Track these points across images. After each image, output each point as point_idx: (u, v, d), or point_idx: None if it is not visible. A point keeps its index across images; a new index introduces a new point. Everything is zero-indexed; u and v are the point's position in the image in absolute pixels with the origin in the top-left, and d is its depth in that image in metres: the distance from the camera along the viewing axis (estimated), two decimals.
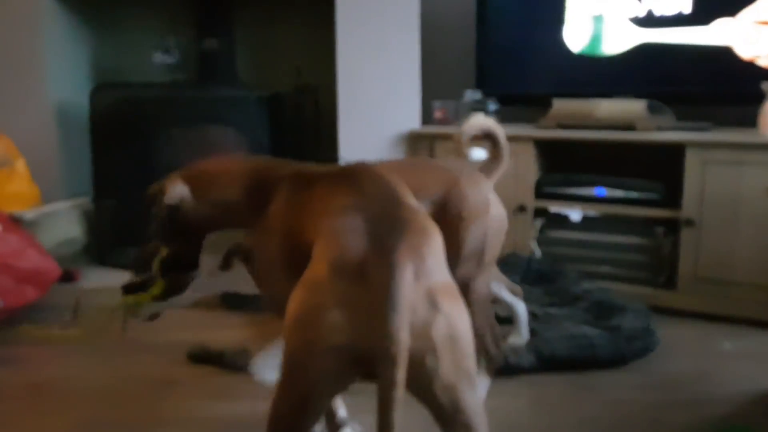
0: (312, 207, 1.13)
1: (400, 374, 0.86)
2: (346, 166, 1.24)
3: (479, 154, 1.92)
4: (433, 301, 0.93)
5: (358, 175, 1.15)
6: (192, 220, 1.44)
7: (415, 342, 0.90)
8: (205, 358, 2.12)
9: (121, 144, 2.86)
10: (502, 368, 1.92)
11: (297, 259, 1.11)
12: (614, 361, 2.05)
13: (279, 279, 1.20)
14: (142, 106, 2.86)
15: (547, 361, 2.02)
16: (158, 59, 2.96)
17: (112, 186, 2.89)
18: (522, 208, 2.72)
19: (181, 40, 3.09)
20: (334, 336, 0.92)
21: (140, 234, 2.85)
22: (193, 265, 1.52)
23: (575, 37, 2.78)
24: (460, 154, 1.81)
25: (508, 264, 2.65)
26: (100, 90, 2.80)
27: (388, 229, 0.97)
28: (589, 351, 2.04)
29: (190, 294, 1.57)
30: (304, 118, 3.23)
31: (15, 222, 2.58)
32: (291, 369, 0.96)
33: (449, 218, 1.66)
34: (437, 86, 3.13)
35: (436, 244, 1.00)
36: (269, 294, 1.34)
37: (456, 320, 0.95)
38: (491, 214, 1.70)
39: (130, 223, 2.92)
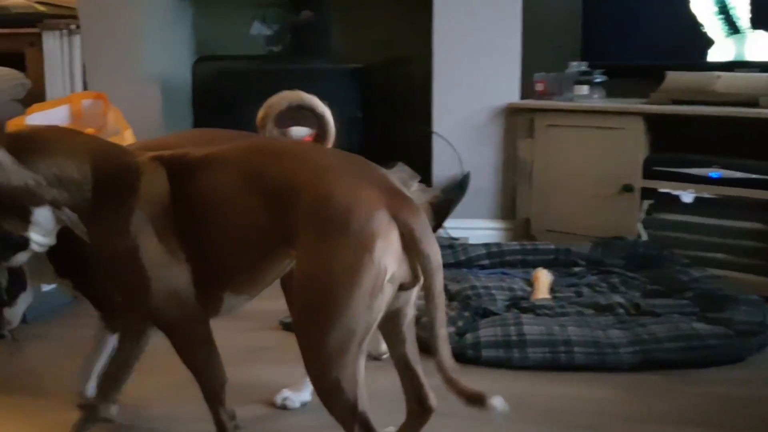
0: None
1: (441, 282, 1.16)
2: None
3: (299, 132, 1.91)
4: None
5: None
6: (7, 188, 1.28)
7: None
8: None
9: (221, 115, 2.92)
10: (599, 364, 1.83)
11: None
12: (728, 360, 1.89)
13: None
14: (239, 78, 2.90)
15: (655, 363, 1.86)
16: (255, 31, 3.00)
17: None
18: (628, 188, 2.57)
19: (278, 12, 3.11)
20: (386, 274, 1.13)
21: None
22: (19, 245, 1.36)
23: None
24: (268, 132, 1.65)
25: (612, 247, 2.52)
26: (201, 62, 2.88)
27: (381, 181, 1.20)
28: (702, 352, 1.87)
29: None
30: (395, 90, 3.19)
31: None
32: (353, 307, 1.12)
33: None
34: (539, 57, 2.99)
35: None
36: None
37: None
38: None
39: None
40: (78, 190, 1.30)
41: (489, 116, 2.84)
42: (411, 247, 1.15)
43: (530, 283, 2.38)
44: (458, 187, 2.70)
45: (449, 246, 2.64)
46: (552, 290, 2.33)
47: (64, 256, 1.50)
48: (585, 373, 1.85)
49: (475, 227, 2.94)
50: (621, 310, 2.11)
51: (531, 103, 2.81)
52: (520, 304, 2.20)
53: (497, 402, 1.14)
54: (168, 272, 1.30)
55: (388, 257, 1.14)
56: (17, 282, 1.51)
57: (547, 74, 2.87)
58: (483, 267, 2.59)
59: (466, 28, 2.78)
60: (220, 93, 2.89)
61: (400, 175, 2.63)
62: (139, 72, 2.98)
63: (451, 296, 2.24)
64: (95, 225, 1.32)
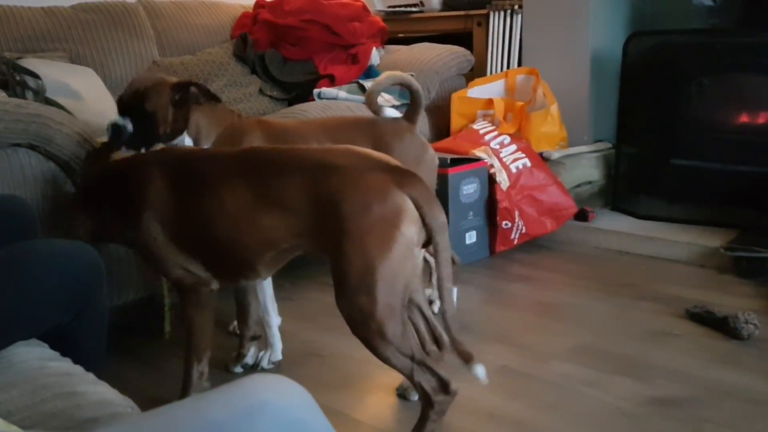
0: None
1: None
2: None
3: (391, 112, 2.13)
4: None
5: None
6: None
7: None
8: (705, 319, 2.03)
9: (649, 92, 2.85)
10: None
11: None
12: None
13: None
14: (674, 54, 2.77)
15: None
16: (698, 2, 2.81)
17: (634, 134, 2.93)
18: None
19: None
20: (414, 240, 1.33)
21: (656, 184, 2.85)
22: None
23: None
24: (374, 110, 1.97)
25: None
26: (635, 37, 2.82)
27: (381, 163, 1.37)
28: None
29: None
30: None
31: (543, 160, 2.87)
32: (394, 275, 1.31)
33: None
34: None
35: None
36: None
37: None
38: (426, 155, 1.96)
39: (647, 172, 2.93)
40: None
41: None
42: (421, 212, 1.32)
43: None
44: None
45: None
46: None
47: None
48: None
49: None
50: None
51: None
52: None
53: (479, 370, 1.32)
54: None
55: (411, 226, 1.32)
56: None
57: None
58: None
59: None
60: (652, 69, 2.81)
61: None
62: (571, 48, 3.08)
63: None
64: None
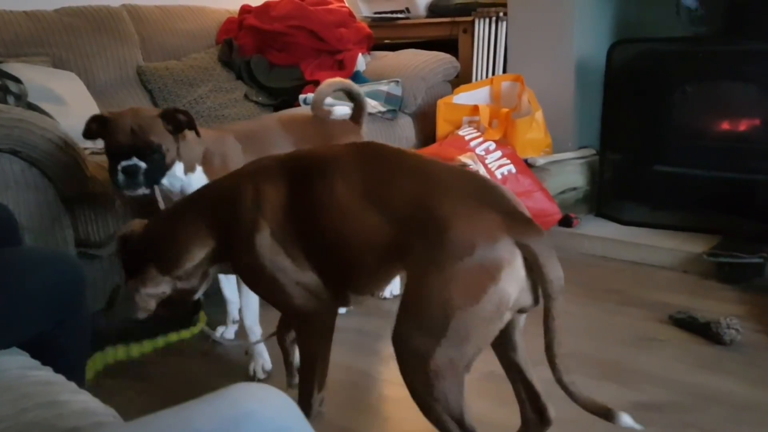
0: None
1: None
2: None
3: (342, 110, 2.25)
4: None
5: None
6: None
7: None
8: (688, 324, 2.05)
9: (632, 99, 2.87)
10: None
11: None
12: None
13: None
14: (658, 61, 2.80)
15: None
16: (682, 10, 2.83)
17: (618, 140, 2.94)
18: None
19: None
20: (510, 301, 1.13)
21: (640, 190, 2.87)
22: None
23: None
24: (321, 114, 2.13)
25: None
26: (619, 44, 2.85)
27: (500, 202, 1.17)
28: None
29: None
30: None
31: (528, 166, 2.88)
32: (471, 331, 1.12)
33: None
34: None
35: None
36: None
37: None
38: None
39: (631, 179, 2.95)
40: None
41: None
42: (534, 272, 1.13)
43: None
44: None
45: None
46: None
47: None
48: None
49: None
50: None
51: None
52: None
53: (626, 419, 1.17)
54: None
55: (512, 286, 1.12)
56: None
57: None
58: None
59: None
60: (636, 76, 2.83)
61: None
62: (556, 55, 3.09)
63: None
64: None
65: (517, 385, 1.36)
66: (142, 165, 1.69)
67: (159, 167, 1.73)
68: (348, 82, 2.20)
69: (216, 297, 2.10)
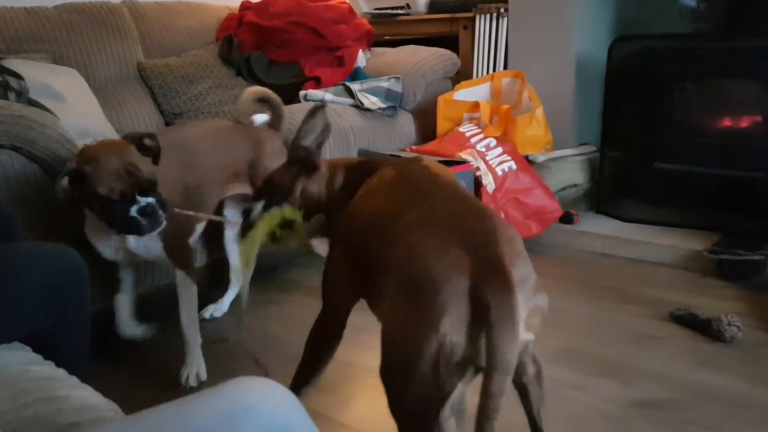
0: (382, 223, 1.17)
1: (507, 385, 0.95)
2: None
3: (261, 118, 2.30)
4: (536, 305, 1.06)
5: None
6: None
7: (524, 338, 1.03)
8: (688, 322, 2.05)
9: (633, 96, 2.87)
10: None
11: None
12: None
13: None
14: (658, 58, 2.79)
15: None
16: (683, 7, 2.83)
17: (618, 137, 2.94)
18: None
19: None
20: (454, 353, 0.97)
21: (641, 187, 2.87)
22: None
23: None
24: (244, 121, 2.24)
25: None
26: (619, 41, 2.84)
27: (483, 244, 1.02)
28: None
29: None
30: None
31: (529, 163, 2.88)
32: (419, 380, 0.99)
33: (261, 170, 2.05)
34: None
35: (522, 246, 1.09)
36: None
37: (545, 306, 1.09)
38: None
39: (632, 176, 2.95)
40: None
41: None
42: (480, 326, 0.96)
43: None
44: None
45: None
46: None
47: None
48: None
49: None
50: None
51: None
52: None
53: None
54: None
55: (457, 336, 0.97)
56: None
57: None
58: None
59: None
60: (636, 73, 2.83)
61: None
62: (557, 51, 3.09)
63: None
64: None
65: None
66: (151, 200, 1.61)
67: (160, 196, 1.65)
68: (268, 91, 2.35)
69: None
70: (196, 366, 1.87)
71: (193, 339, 1.88)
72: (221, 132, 2.14)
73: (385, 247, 1.12)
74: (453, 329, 0.97)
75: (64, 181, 1.57)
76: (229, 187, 2.11)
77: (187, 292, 1.87)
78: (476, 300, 0.97)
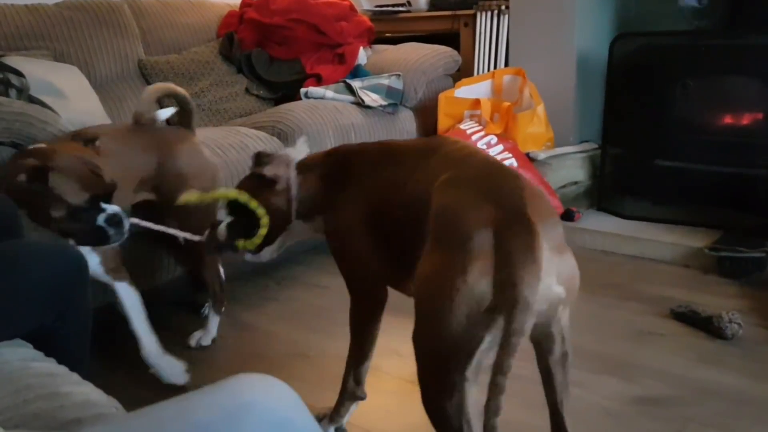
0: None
1: (528, 327, 0.97)
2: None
3: (165, 113, 2.10)
4: (564, 257, 1.11)
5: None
6: None
7: (555, 290, 1.08)
8: (689, 319, 2.05)
9: (634, 94, 2.87)
10: None
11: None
12: None
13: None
14: (659, 55, 2.79)
15: None
16: (684, 4, 2.82)
17: (619, 134, 2.94)
18: None
19: None
20: (483, 299, 1.01)
21: (642, 184, 2.87)
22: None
23: None
24: (146, 122, 1.99)
25: None
26: (620, 38, 2.84)
27: (509, 198, 1.08)
28: None
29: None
30: None
31: (530, 160, 2.88)
32: (447, 328, 1.03)
33: (173, 175, 1.91)
34: None
35: (549, 204, 1.14)
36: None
37: (575, 268, 1.15)
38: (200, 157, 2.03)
39: (633, 173, 2.95)
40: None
41: None
42: (501, 270, 1.00)
43: None
44: None
45: None
46: None
47: None
48: None
49: None
50: None
51: None
52: None
53: None
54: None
55: (485, 281, 1.01)
56: None
57: None
58: None
59: None
60: (637, 71, 2.83)
61: None
62: (557, 48, 3.08)
63: None
64: None
65: (551, 419, 1.26)
66: (119, 208, 1.48)
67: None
68: (171, 86, 2.07)
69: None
70: (162, 372, 1.80)
71: (148, 352, 1.77)
72: (126, 132, 1.95)
73: (418, 205, 1.20)
74: (480, 275, 1.01)
75: (22, 177, 1.40)
76: (138, 194, 1.92)
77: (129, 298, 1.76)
78: (501, 246, 1.02)
